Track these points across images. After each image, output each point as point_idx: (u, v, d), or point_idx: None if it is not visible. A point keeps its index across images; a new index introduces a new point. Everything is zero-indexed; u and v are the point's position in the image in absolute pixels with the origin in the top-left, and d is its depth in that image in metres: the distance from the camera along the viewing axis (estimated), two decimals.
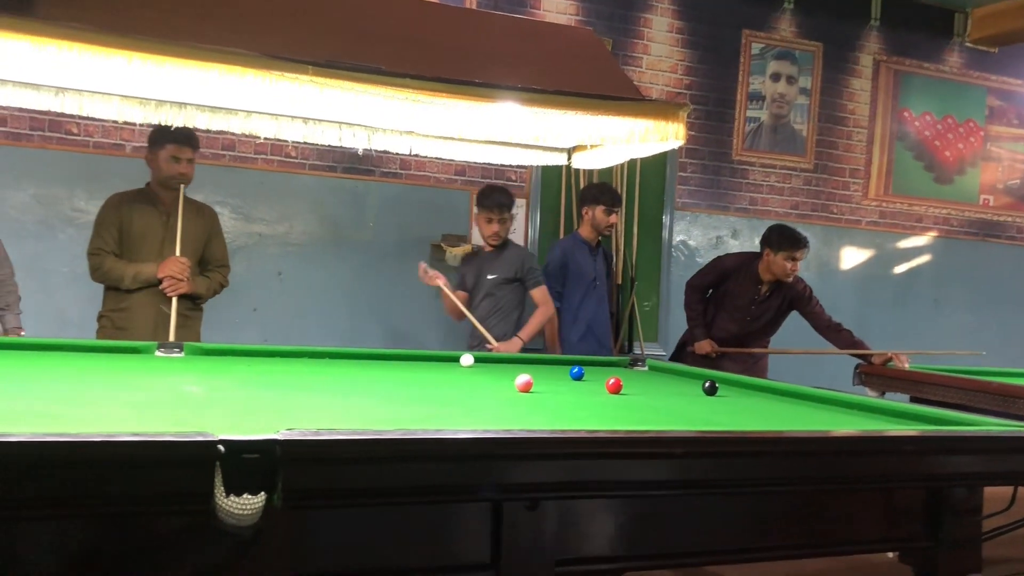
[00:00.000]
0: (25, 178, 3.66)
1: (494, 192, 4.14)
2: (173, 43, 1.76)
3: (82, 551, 1.25)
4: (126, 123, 2.82)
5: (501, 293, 4.16)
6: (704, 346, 4.58)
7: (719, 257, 4.85)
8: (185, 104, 2.43)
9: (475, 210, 4.21)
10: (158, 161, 3.64)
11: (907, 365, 4.17)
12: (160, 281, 3.54)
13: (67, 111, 2.42)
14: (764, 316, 4.60)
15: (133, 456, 1.17)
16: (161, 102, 2.40)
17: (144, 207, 3.67)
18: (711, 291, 4.70)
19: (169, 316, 3.53)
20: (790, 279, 4.50)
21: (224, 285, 3.90)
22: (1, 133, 4.45)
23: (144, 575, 1.28)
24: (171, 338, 3.45)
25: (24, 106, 2.44)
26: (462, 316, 4.14)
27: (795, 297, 4.60)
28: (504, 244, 4.19)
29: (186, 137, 3.55)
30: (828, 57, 6.18)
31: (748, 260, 4.65)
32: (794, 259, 4.44)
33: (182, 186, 3.63)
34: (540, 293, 4.19)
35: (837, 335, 4.54)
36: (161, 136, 3.60)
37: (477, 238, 5.31)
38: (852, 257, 6.39)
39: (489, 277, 4.15)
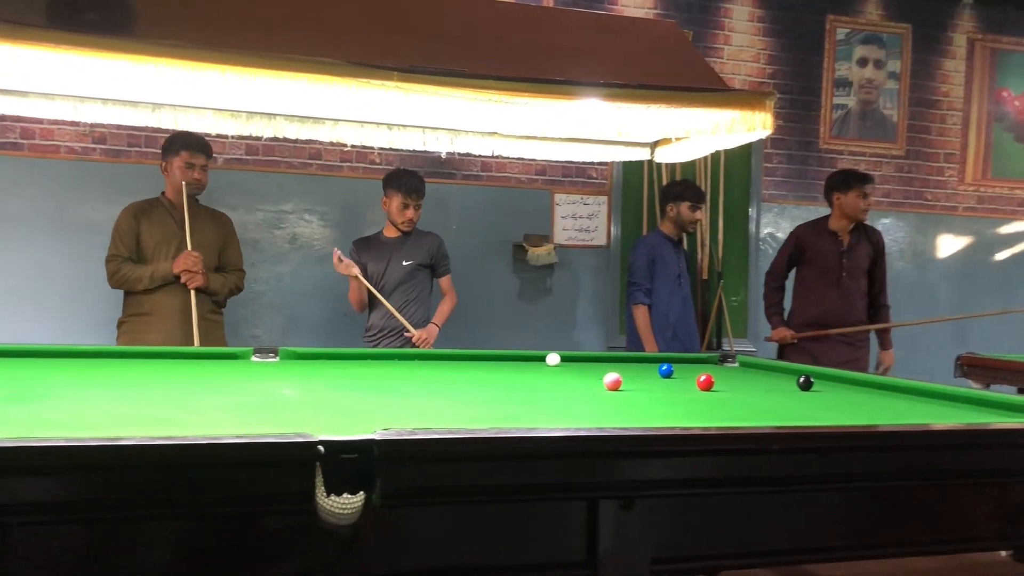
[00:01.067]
0: (125, 193, 3.81)
1: (411, 177, 4.02)
2: (263, 56, 1.81)
3: (190, 550, 1.29)
4: (218, 135, 2.90)
5: (415, 280, 4.09)
6: (781, 333, 4.47)
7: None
8: (274, 115, 2.49)
9: (386, 193, 4.05)
10: (172, 169, 3.72)
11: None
12: (178, 277, 3.63)
13: (164, 126, 2.50)
14: (857, 268, 4.47)
15: (237, 457, 1.21)
16: (252, 114, 2.48)
17: (160, 217, 3.76)
18: (795, 269, 4.58)
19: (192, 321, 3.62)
20: (865, 216, 4.48)
21: (240, 288, 3.98)
22: (102, 151, 4.64)
23: (248, 573, 1.31)
24: (196, 343, 3.54)
25: (123, 123, 2.55)
26: (365, 307, 4.08)
27: (878, 240, 4.55)
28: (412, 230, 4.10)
29: (200, 144, 3.62)
30: (918, 39, 5.97)
31: (817, 220, 4.60)
32: (865, 194, 4.43)
33: (184, 184, 3.68)
34: (448, 281, 4.16)
35: (878, 311, 4.50)
36: (174, 144, 3.68)
37: (560, 237, 5.31)
38: (949, 245, 6.15)
39: (405, 264, 4.06)
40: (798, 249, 4.51)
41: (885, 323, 4.51)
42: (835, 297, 4.42)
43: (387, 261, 4.06)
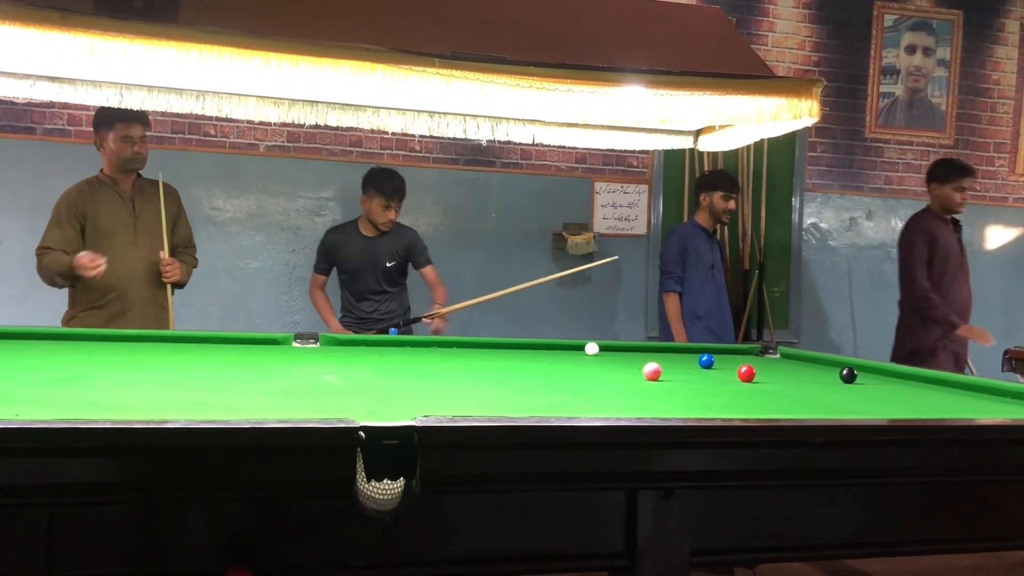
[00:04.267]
0: (167, 179, 3.85)
1: (392, 178, 3.98)
2: (306, 43, 1.82)
3: (232, 533, 1.30)
4: (261, 123, 2.92)
5: (395, 274, 4.11)
6: (974, 332, 4.25)
7: (905, 230, 4.51)
8: (317, 102, 2.51)
9: (365, 192, 4.01)
10: (107, 144, 3.50)
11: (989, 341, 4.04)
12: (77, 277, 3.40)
13: (208, 113, 2.53)
14: (963, 255, 4.44)
15: (280, 442, 1.22)
16: (294, 101, 2.49)
17: (106, 197, 3.52)
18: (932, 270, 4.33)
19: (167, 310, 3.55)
20: (961, 210, 4.42)
21: (195, 266, 3.83)
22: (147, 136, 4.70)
23: (291, 557, 1.33)
24: (171, 327, 3.48)
25: (168, 110, 2.58)
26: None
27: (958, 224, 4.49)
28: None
29: (134, 114, 3.30)
30: (969, 25, 5.83)
31: (924, 212, 4.47)
32: (963, 188, 4.36)
33: (161, 183, 3.51)
34: (433, 271, 4.13)
35: None
36: (107, 117, 3.45)
37: (599, 225, 5.28)
38: (999, 237, 6.02)
39: (388, 265, 4.06)
40: (930, 240, 4.33)
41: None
42: (964, 288, 4.35)
43: (368, 262, 4.05)
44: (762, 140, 4.36)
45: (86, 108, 4.48)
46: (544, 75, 1.90)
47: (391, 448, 1.24)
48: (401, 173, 4.13)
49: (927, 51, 5.78)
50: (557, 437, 1.32)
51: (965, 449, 1.60)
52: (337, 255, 4.13)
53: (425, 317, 3.90)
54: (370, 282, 4.09)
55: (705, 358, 2.73)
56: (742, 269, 5.40)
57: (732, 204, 4.51)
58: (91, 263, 3.33)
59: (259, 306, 4.90)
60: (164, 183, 3.62)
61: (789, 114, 2.08)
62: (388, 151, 5.00)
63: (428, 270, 4.15)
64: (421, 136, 2.77)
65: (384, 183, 3.96)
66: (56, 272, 3.43)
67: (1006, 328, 5.63)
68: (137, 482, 1.17)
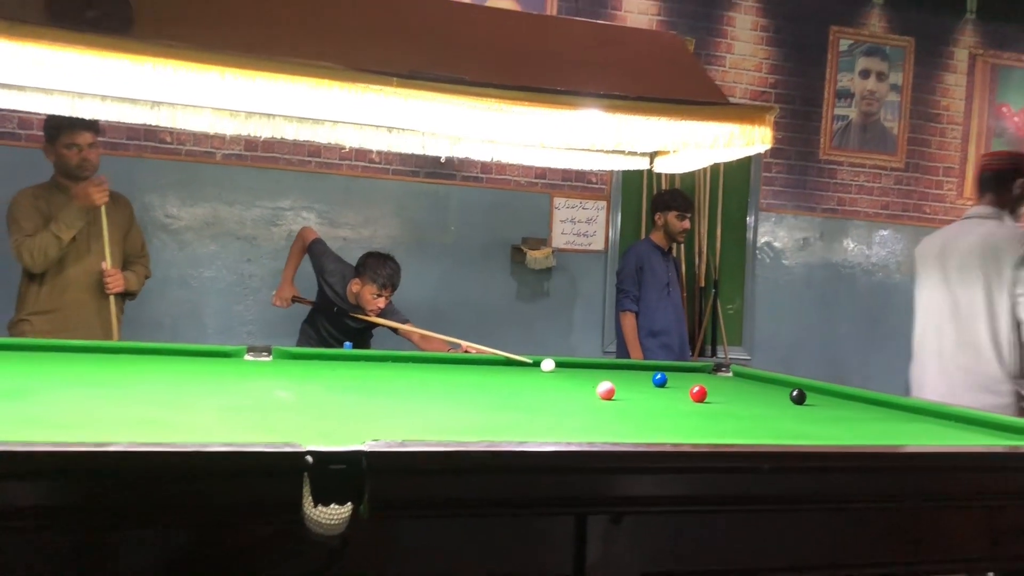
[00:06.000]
0: (122, 186, 3.78)
1: (387, 266, 3.85)
2: (263, 58, 1.81)
3: (175, 558, 1.28)
4: (216, 134, 2.89)
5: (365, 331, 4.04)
6: None
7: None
8: (273, 115, 2.49)
9: (358, 275, 3.86)
10: (57, 151, 3.45)
11: None
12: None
13: (162, 124, 2.50)
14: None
15: (224, 466, 1.21)
16: (251, 113, 2.47)
17: (60, 203, 3.44)
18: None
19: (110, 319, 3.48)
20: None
21: (148, 275, 3.79)
22: (99, 143, 4.63)
23: None
24: (115, 338, 3.42)
25: (122, 120, 2.54)
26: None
27: None
28: None
29: (82, 121, 3.21)
30: (920, 52, 5.98)
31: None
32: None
33: (103, 209, 3.45)
34: (413, 327, 3.97)
35: None
36: (54, 126, 3.40)
37: (558, 241, 5.31)
38: None
39: (370, 341, 4.03)
40: None
41: None
42: None
43: (350, 338, 3.93)
44: None
45: (37, 112, 4.39)
46: (502, 96, 1.90)
47: (339, 472, 1.23)
48: (359, 184, 4.10)
49: (880, 76, 5.91)
50: (506, 462, 1.32)
51: (909, 475, 1.64)
52: (317, 320, 4.01)
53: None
54: (339, 325, 4.00)
55: (659, 376, 2.75)
56: (697, 286, 5.46)
57: (687, 224, 4.57)
58: (96, 186, 3.37)
59: (212, 316, 4.84)
60: (114, 192, 3.57)
61: (742, 140, 2.11)
62: (347, 162, 4.97)
63: (408, 327, 3.98)
64: (379, 151, 2.76)
65: (378, 273, 3.82)
66: (51, 243, 3.36)
67: None
68: (75, 506, 1.15)
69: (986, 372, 3.23)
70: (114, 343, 3.21)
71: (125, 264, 3.66)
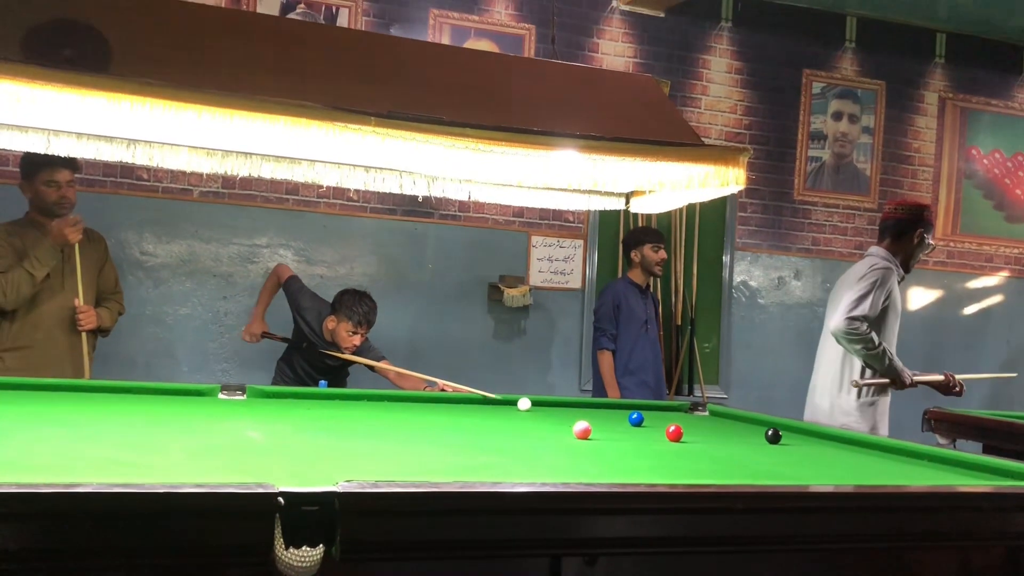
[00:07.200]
0: (98, 222, 3.76)
1: (363, 304, 3.81)
2: (240, 97, 1.82)
3: None
4: (193, 172, 2.89)
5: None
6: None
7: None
8: (251, 154, 2.49)
9: (334, 312, 3.83)
10: (35, 188, 3.44)
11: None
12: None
13: (139, 162, 2.49)
14: None
15: (195, 507, 1.19)
16: (228, 152, 2.47)
17: (34, 239, 3.41)
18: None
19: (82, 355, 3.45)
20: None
21: (123, 311, 3.77)
22: (76, 180, 4.61)
23: None
24: (87, 376, 3.41)
25: (97, 157, 2.53)
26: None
27: None
28: None
29: (60, 159, 3.05)
30: (891, 95, 6.09)
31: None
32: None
33: (77, 246, 3.43)
34: (389, 365, 3.94)
35: None
36: (33, 163, 3.38)
37: (535, 279, 5.32)
38: (919, 298, 6.23)
39: (346, 380, 3.98)
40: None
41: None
42: None
43: (326, 376, 3.88)
44: None
45: (11, 149, 4.37)
46: (479, 136, 1.92)
47: (311, 514, 1.22)
48: (336, 222, 4.09)
49: (852, 118, 6.01)
50: (480, 504, 1.31)
51: (885, 515, 1.64)
52: (296, 358, 3.97)
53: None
54: (315, 363, 3.95)
55: (635, 416, 2.75)
56: (674, 324, 5.48)
57: (663, 254, 4.60)
58: (71, 226, 3.36)
59: (187, 354, 4.79)
60: (88, 229, 3.56)
61: (716, 181, 2.14)
62: (325, 200, 4.98)
63: (384, 364, 3.93)
64: (357, 190, 2.77)
65: (353, 310, 3.79)
66: (24, 280, 3.32)
67: (925, 388, 5.79)
68: (45, 549, 1.13)
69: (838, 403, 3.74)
70: (86, 381, 3.17)
71: (98, 301, 3.64)
